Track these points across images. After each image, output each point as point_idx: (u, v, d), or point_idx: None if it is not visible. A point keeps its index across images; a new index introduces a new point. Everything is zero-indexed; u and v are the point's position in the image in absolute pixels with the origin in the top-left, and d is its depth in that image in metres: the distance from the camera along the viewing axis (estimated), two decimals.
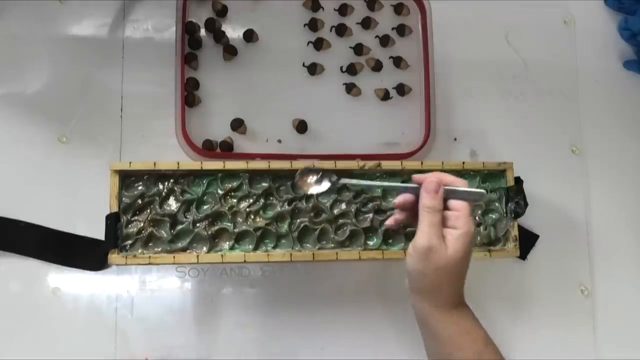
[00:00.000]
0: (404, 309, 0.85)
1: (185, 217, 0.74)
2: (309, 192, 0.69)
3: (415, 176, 0.64)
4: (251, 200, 0.75)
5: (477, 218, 0.78)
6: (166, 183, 0.75)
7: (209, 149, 0.81)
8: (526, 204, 0.78)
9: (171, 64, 0.81)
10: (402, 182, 0.76)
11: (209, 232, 0.74)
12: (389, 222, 0.67)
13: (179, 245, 0.73)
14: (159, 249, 0.73)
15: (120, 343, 0.78)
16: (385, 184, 0.74)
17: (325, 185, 0.68)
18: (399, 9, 0.89)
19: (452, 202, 0.62)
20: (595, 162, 0.92)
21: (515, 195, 0.78)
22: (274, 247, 0.75)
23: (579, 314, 0.87)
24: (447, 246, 0.60)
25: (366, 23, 0.88)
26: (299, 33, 0.87)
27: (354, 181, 0.69)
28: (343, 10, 0.88)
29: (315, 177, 0.68)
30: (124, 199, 0.73)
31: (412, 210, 0.65)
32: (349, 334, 0.82)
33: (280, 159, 0.77)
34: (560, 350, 0.86)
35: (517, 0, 0.94)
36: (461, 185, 0.63)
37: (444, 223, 0.62)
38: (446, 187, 0.62)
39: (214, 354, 0.80)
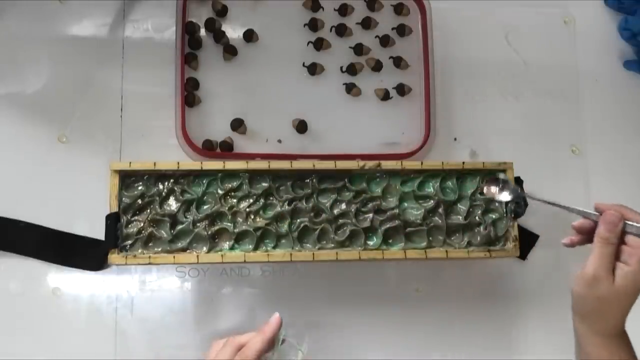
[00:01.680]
0: (404, 309, 0.85)
1: (185, 217, 0.74)
2: (494, 199, 0.77)
3: (599, 204, 0.65)
4: (251, 200, 0.75)
5: (477, 218, 0.78)
6: (166, 183, 0.75)
7: (209, 149, 0.81)
8: (526, 204, 0.78)
9: (171, 64, 0.81)
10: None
11: (209, 232, 0.74)
12: (565, 240, 0.68)
13: (179, 245, 0.73)
14: (159, 249, 0.73)
15: (120, 343, 0.78)
16: (567, 206, 0.70)
17: (506, 195, 0.76)
18: (399, 9, 0.89)
19: (630, 238, 0.62)
20: (595, 162, 0.92)
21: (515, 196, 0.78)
22: (274, 247, 0.75)
23: None
24: (615, 280, 0.61)
25: (366, 23, 0.88)
26: (299, 33, 0.87)
27: (536, 197, 0.73)
28: (343, 10, 0.88)
29: (497, 188, 0.76)
30: (124, 199, 0.73)
31: (588, 235, 0.65)
32: (349, 334, 0.82)
33: (280, 159, 0.77)
34: (560, 350, 0.86)
35: (517, 0, 0.94)
36: None
37: (617, 256, 0.62)
38: (627, 222, 0.62)
39: None
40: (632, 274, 0.61)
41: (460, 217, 0.78)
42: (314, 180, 0.76)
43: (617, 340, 0.64)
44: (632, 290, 0.61)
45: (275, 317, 0.67)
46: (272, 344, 0.66)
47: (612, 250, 0.61)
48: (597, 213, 0.64)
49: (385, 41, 0.88)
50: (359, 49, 0.88)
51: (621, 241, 0.62)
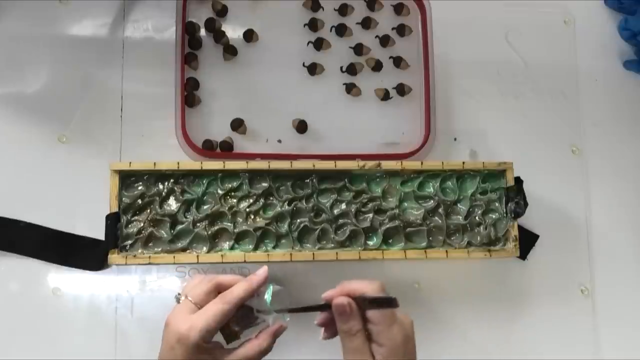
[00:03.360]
0: (403, 309, 0.85)
1: (185, 217, 0.74)
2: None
3: (326, 295, 0.60)
4: (251, 200, 0.75)
5: (477, 218, 0.78)
6: (166, 183, 0.75)
7: (209, 149, 0.81)
8: (526, 204, 0.78)
9: (171, 64, 0.81)
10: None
11: (209, 232, 0.74)
12: (321, 337, 0.62)
13: (179, 245, 0.74)
14: (159, 249, 0.73)
15: (120, 343, 0.78)
16: (293, 308, 0.65)
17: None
18: (399, 9, 0.89)
19: (370, 314, 0.57)
20: (595, 162, 0.92)
21: (515, 195, 0.78)
22: (274, 247, 0.75)
23: (579, 314, 0.87)
24: None
25: (366, 23, 0.88)
26: (299, 33, 0.87)
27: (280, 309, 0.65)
28: (343, 10, 0.88)
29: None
30: (124, 199, 0.73)
31: (334, 327, 0.60)
32: None
33: (280, 159, 0.77)
34: (560, 350, 0.86)
35: (517, 0, 0.94)
36: (372, 289, 0.57)
37: (370, 337, 0.57)
38: (358, 298, 0.57)
39: None
40: (390, 352, 0.56)
41: (460, 217, 0.78)
42: (314, 180, 0.77)
43: None
44: None
45: (263, 269, 0.65)
46: (253, 295, 0.65)
47: (362, 339, 0.56)
48: (326, 304, 0.59)
49: (385, 41, 0.88)
50: (359, 49, 0.88)
51: (365, 319, 0.57)
